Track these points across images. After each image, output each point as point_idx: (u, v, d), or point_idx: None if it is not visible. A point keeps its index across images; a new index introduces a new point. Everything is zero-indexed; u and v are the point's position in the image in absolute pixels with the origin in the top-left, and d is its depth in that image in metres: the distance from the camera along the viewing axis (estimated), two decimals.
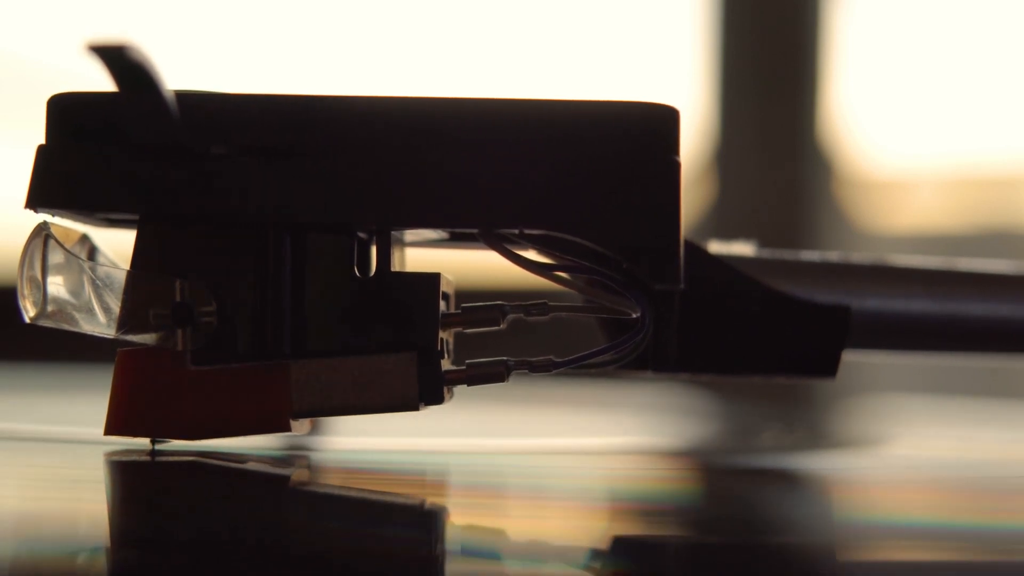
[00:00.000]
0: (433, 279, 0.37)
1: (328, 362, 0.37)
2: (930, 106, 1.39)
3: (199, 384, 0.37)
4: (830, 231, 1.35)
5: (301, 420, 0.38)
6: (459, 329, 0.38)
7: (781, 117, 1.35)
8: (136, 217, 0.37)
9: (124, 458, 0.38)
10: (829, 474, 0.45)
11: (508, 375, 0.38)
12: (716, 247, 0.42)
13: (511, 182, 0.37)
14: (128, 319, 0.37)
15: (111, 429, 0.37)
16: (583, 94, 0.37)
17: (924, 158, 1.39)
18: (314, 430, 0.42)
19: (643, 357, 0.40)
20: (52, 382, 0.78)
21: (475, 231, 0.37)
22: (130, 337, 0.37)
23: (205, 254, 0.37)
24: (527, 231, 0.37)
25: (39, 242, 0.37)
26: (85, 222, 0.39)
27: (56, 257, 0.37)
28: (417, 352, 0.37)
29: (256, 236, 0.37)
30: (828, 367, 0.41)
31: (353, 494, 0.36)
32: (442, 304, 0.38)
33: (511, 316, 0.38)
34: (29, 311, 0.37)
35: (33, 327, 0.37)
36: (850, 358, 0.41)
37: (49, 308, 0.37)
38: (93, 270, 0.37)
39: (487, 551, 0.30)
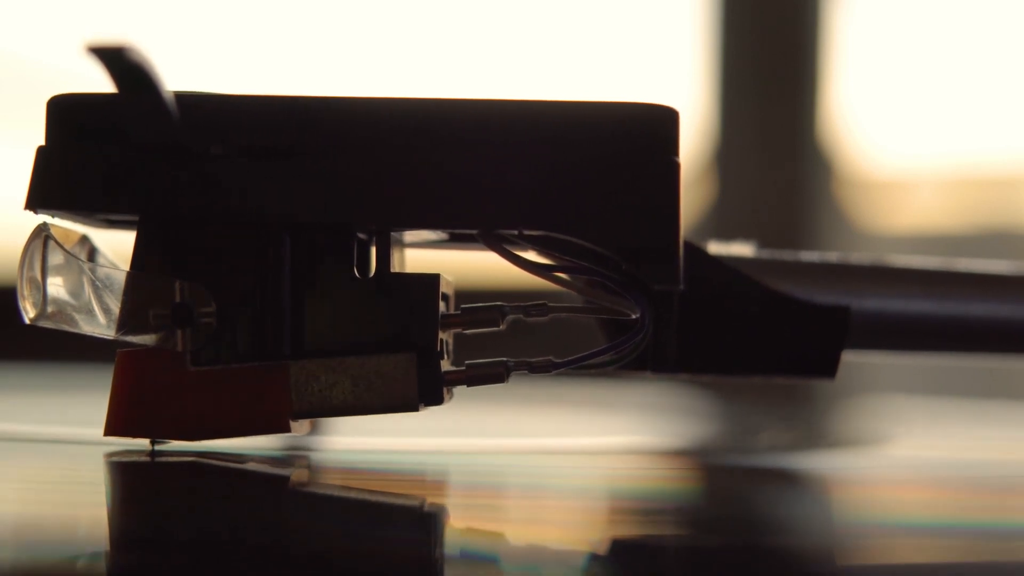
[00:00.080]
0: (433, 280, 0.37)
1: (328, 363, 0.37)
2: (930, 106, 1.39)
3: (199, 385, 0.37)
4: (830, 231, 1.35)
5: (301, 420, 0.38)
6: (459, 330, 0.38)
7: (781, 117, 1.35)
8: (136, 217, 0.37)
9: (124, 458, 0.38)
10: (829, 474, 0.45)
11: (508, 376, 0.38)
12: (715, 247, 0.42)
13: (511, 183, 0.37)
14: (128, 320, 0.37)
15: (111, 429, 0.37)
16: (583, 95, 0.38)
17: (924, 158, 1.39)
18: (314, 430, 0.42)
19: (643, 357, 0.40)
20: (52, 382, 0.78)
21: (475, 232, 0.37)
22: (130, 338, 0.37)
23: (205, 254, 0.37)
24: (526, 232, 0.37)
25: (39, 243, 0.37)
26: (85, 223, 0.39)
27: (56, 258, 0.37)
28: (417, 353, 0.37)
29: (256, 237, 0.37)
30: (828, 367, 0.41)
31: (353, 494, 0.36)
32: (442, 305, 0.38)
33: (511, 317, 0.38)
34: (29, 312, 0.37)
35: (33, 327, 0.37)
36: (850, 358, 0.41)
37: (49, 309, 0.37)
38: (93, 271, 0.37)
39: (486, 552, 0.30)
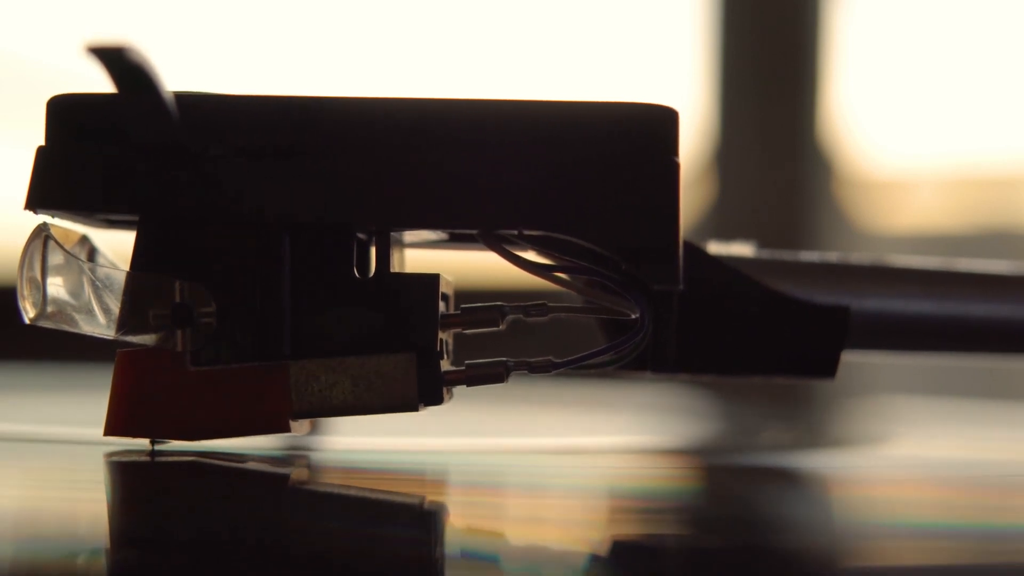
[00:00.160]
0: (432, 280, 0.37)
1: (327, 363, 0.37)
2: (930, 106, 1.39)
3: (199, 385, 0.37)
4: (830, 231, 1.35)
5: (301, 420, 0.38)
6: (458, 330, 0.38)
7: (781, 117, 1.34)
8: (136, 217, 0.37)
9: (124, 458, 0.38)
10: (829, 474, 0.45)
11: (507, 376, 0.38)
12: (715, 247, 0.42)
13: (510, 183, 0.37)
14: (128, 320, 0.37)
15: (111, 429, 0.37)
16: (583, 95, 0.38)
17: (924, 158, 1.39)
18: (314, 430, 0.42)
19: (642, 358, 0.40)
20: (52, 382, 0.78)
21: (474, 232, 0.37)
22: (130, 338, 0.37)
23: (205, 254, 0.37)
24: (526, 232, 0.37)
25: (39, 243, 0.37)
26: (85, 223, 0.39)
27: (56, 258, 0.37)
28: (416, 353, 0.37)
29: (255, 237, 0.37)
30: (827, 367, 0.41)
31: (353, 494, 0.36)
32: (441, 305, 0.38)
33: (510, 317, 0.38)
34: (29, 312, 0.37)
35: (33, 327, 0.37)
36: (850, 358, 0.41)
37: (49, 309, 0.37)
38: (93, 271, 0.37)
39: (486, 551, 0.30)
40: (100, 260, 0.39)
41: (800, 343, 0.41)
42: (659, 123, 0.37)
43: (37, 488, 0.37)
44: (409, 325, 0.37)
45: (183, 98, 0.36)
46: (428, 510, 0.34)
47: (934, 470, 0.47)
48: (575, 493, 0.39)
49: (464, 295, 0.39)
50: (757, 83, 1.35)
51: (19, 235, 0.37)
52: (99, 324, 0.37)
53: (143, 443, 0.38)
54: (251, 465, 0.39)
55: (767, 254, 0.43)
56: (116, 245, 0.39)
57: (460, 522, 0.33)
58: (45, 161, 0.37)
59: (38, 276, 0.37)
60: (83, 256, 0.38)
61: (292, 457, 0.41)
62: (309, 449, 0.43)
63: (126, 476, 0.38)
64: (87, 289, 0.37)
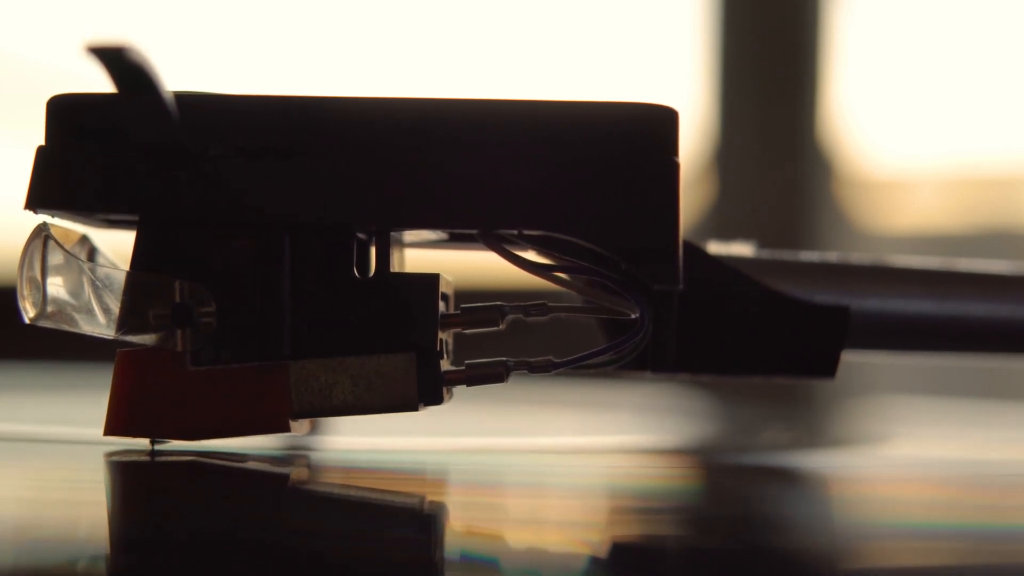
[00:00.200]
0: (432, 280, 0.37)
1: (327, 362, 0.37)
2: (930, 106, 1.39)
3: (199, 384, 0.37)
4: (830, 231, 1.35)
5: (301, 420, 0.38)
6: (458, 330, 0.38)
7: (781, 117, 1.34)
8: (136, 217, 0.37)
9: (124, 458, 0.38)
10: (829, 474, 0.45)
11: (507, 375, 0.38)
12: (715, 247, 0.42)
13: (510, 183, 0.37)
14: (128, 320, 0.37)
15: (111, 429, 0.37)
16: (583, 95, 0.38)
17: (924, 158, 1.39)
18: (314, 430, 0.42)
19: (642, 357, 0.40)
20: (52, 382, 0.78)
21: (474, 232, 0.37)
22: (130, 338, 0.37)
23: (204, 254, 0.37)
24: (526, 232, 0.37)
25: (39, 243, 0.37)
26: (85, 223, 0.39)
27: (56, 258, 0.37)
28: (416, 353, 0.37)
29: (255, 237, 0.37)
30: (827, 367, 0.41)
31: (353, 494, 0.36)
32: (441, 305, 0.38)
33: (510, 317, 0.38)
34: (29, 312, 0.37)
35: (33, 327, 0.37)
36: (850, 358, 0.41)
37: (49, 309, 0.37)
38: (93, 271, 0.37)
39: (486, 551, 0.30)
40: (100, 260, 0.39)
41: (800, 343, 0.41)
42: (659, 123, 0.37)
43: (37, 488, 0.37)
44: (409, 325, 0.37)
45: (183, 98, 0.36)
46: (428, 511, 0.34)
47: (934, 470, 0.47)
48: (575, 493, 0.39)
49: (464, 295, 0.39)
50: (757, 83, 1.35)
51: (19, 235, 0.37)
52: (99, 324, 0.37)
53: (143, 443, 0.38)
54: (251, 465, 0.39)
55: (767, 254, 0.43)
56: (116, 245, 0.39)
57: (460, 523, 0.33)
58: (45, 161, 0.37)
59: (38, 276, 0.37)
60: (83, 256, 0.38)
61: (292, 457, 0.41)
62: (309, 449, 0.43)
63: (126, 476, 0.38)
64: (87, 289, 0.37)
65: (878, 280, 0.43)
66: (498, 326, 0.38)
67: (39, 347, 0.57)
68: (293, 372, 0.37)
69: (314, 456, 0.43)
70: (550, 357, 0.38)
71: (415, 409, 0.37)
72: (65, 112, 0.37)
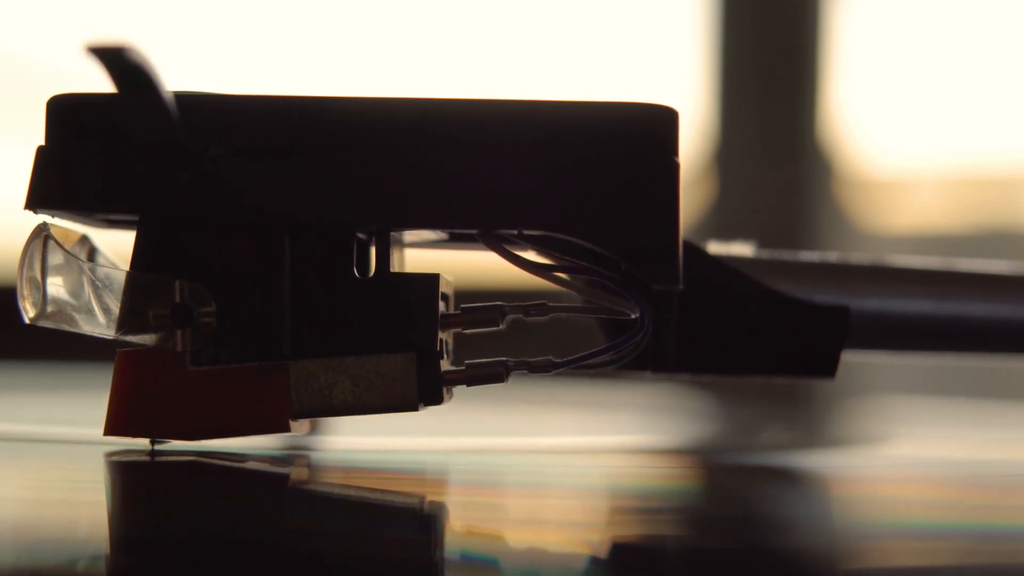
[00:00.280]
0: (432, 280, 0.37)
1: (327, 362, 0.37)
2: (930, 106, 1.39)
3: (199, 384, 0.37)
4: (830, 231, 1.35)
5: (301, 420, 0.38)
6: (458, 330, 0.38)
7: (781, 117, 1.34)
8: (136, 217, 0.37)
9: (124, 458, 0.39)
10: (829, 474, 0.45)
11: (507, 375, 0.38)
12: (715, 247, 0.42)
13: (510, 183, 0.37)
14: (128, 320, 0.37)
15: (111, 429, 0.37)
16: (583, 95, 0.38)
17: (924, 158, 1.39)
18: (314, 430, 0.42)
19: (642, 357, 0.40)
20: (52, 382, 0.78)
21: (474, 232, 0.37)
22: (130, 338, 0.37)
23: (204, 254, 0.37)
24: (526, 232, 0.37)
25: (39, 243, 0.37)
26: (85, 223, 0.39)
27: (56, 258, 0.37)
28: (416, 353, 0.37)
29: (255, 237, 0.37)
30: (827, 367, 0.41)
31: (353, 494, 0.36)
32: (441, 305, 0.38)
33: (510, 317, 0.38)
34: (29, 312, 0.37)
35: (33, 327, 0.37)
36: (850, 358, 0.41)
37: (49, 309, 0.37)
38: (93, 271, 0.37)
39: (486, 551, 0.30)
40: (100, 260, 0.39)
41: (800, 343, 0.41)
42: (659, 123, 0.37)
43: (37, 488, 0.37)
44: (409, 325, 0.37)
45: (183, 98, 0.36)
46: (428, 511, 0.34)
47: (934, 470, 0.47)
48: (575, 493, 0.39)
49: (464, 295, 0.39)
50: (757, 83, 1.35)
51: (19, 235, 0.37)
52: (99, 324, 0.37)
53: (143, 443, 0.38)
54: (251, 465, 0.39)
55: (767, 254, 0.43)
56: (116, 245, 0.39)
57: (460, 523, 0.33)
58: (45, 161, 0.37)
59: (38, 276, 0.37)
60: (83, 256, 0.38)
61: (292, 457, 0.41)
62: (309, 449, 0.43)
63: (126, 476, 0.38)
64: (87, 289, 0.37)
65: (878, 280, 0.43)
66: (498, 326, 0.38)
67: (39, 347, 0.57)
68: (293, 372, 0.37)
69: (314, 456, 0.43)
70: (550, 357, 0.38)
71: (415, 409, 0.37)
72: (65, 112, 0.37)
